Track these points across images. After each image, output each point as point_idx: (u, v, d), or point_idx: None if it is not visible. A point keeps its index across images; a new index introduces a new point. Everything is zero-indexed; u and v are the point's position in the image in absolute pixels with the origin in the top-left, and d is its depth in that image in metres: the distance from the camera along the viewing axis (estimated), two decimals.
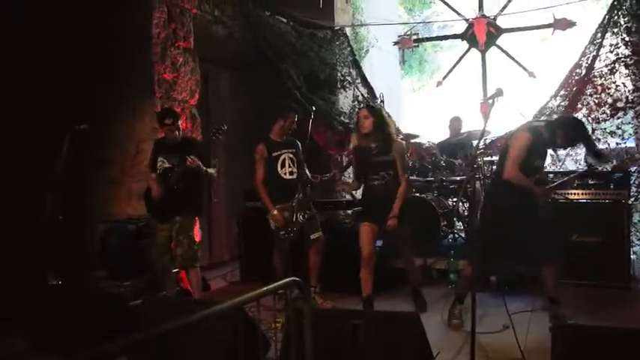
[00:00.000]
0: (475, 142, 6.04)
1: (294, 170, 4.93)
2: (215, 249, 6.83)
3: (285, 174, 4.91)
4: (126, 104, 5.70)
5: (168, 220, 4.59)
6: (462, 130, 6.99)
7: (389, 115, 7.23)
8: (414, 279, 4.76)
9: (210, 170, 4.71)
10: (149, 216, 4.89)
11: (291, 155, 4.96)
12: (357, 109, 7.63)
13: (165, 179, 4.57)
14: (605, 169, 5.70)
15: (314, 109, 5.11)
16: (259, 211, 5.71)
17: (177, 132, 4.68)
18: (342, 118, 7.55)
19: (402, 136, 6.59)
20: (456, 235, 6.31)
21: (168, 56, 5.77)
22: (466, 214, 6.41)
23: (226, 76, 7.30)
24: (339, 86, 7.80)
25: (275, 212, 4.79)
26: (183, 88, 5.93)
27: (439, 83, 8.00)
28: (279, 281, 2.48)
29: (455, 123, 7.11)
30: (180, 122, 4.83)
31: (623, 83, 6.30)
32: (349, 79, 7.87)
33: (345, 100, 7.82)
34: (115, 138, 5.72)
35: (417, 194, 6.02)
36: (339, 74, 7.82)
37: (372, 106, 4.76)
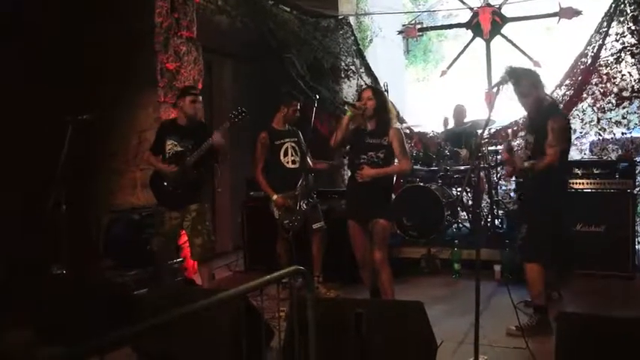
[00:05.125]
0: (479, 132, 6.03)
1: (297, 159, 4.91)
2: (219, 238, 6.77)
3: (287, 162, 4.89)
4: (129, 94, 5.67)
5: (182, 207, 4.35)
6: (467, 120, 6.94)
7: (393, 105, 7.24)
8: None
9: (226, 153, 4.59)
10: (156, 204, 4.58)
11: (293, 144, 4.95)
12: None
13: (179, 162, 4.30)
14: (610, 159, 5.68)
15: (317, 97, 5.07)
16: (263, 201, 5.67)
17: (199, 107, 4.52)
18: (345, 107, 7.51)
19: (405, 126, 6.59)
20: (460, 225, 6.30)
21: (171, 45, 5.72)
22: (470, 203, 6.39)
23: (230, 65, 7.27)
24: (342, 75, 7.79)
25: (275, 197, 4.76)
26: (186, 77, 5.88)
27: (443, 73, 7.96)
28: (282, 270, 2.47)
29: (459, 112, 7.05)
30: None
31: (629, 72, 6.25)
32: (353, 68, 7.84)
33: (348, 90, 7.79)
34: (118, 127, 5.69)
35: (421, 184, 6.02)
36: (342, 63, 7.81)
37: (376, 88, 4.45)
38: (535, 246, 3.76)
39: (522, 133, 6.55)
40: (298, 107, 4.99)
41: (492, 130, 6.60)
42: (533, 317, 3.80)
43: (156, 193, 4.52)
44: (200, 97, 4.58)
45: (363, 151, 4.02)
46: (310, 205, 4.84)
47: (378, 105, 4.02)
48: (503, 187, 6.54)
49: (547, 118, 3.66)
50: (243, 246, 6.12)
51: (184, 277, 5.12)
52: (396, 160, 4.06)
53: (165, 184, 4.36)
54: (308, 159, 4.91)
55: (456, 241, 5.47)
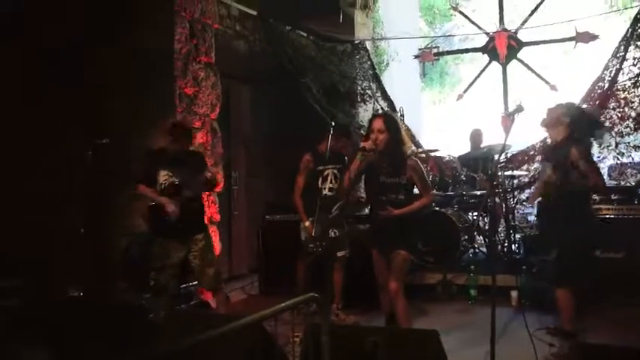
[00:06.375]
0: (496, 156, 6.01)
1: (335, 186, 4.91)
2: (235, 261, 6.84)
3: (325, 189, 4.90)
4: (147, 118, 5.62)
5: (187, 239, 4.30)
6: (483, 144, 6.93)
7: (408, 129, 7.26)
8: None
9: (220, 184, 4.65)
10: (156, 236, 4.42)
11: (335, 171, 4.95)
12: None
13: (177, 193, 4.22)
14: (629, 183, 5.63)
15: (333, 124, 5.05)
16: (279, 224, 5.81)
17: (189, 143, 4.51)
18: (362, 131, 7.55)
19: (421, 150, 6.58)
20: (477, 250, 6.24)
21: (190, 71, 5.79)
22: (486, 228, 6.34)
23: (247, 90, 7.35)
24: (359, 100, 7.82)
25: (307, 223, 4.78)
26: (204, 102, 5.95)
27: (460, 96, 7.97)
28: (299, 294, 2.48)
29: (475, 136, 7.06)
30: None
31: None
32: (369, 92, 7.88)
33: (365, 114, 7.80)
34: (137, 152, 5.74)
35: (437, 208, 5.98)
36: (359, 88, 7.85)
37: (388, 116, 4.15)
38: (565, 271, 3.77)
39: (539, 158, 6.55)
40: (347, 145, 4.98)
41: (509, 155, 6.57)
42: (564, 344, 3.77)
43: (156, 226, 4.41)
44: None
45: (382, 193, 3.87)
46: (339, 233, 4.82)
47: (391, 137, 3.79)
48: (520, 212, 6.49)
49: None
50: (258, 269, 6.14)
51: (200, 300, 5.10)
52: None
53: (167, 217, 4.20)
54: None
55: (472, 267, 5.43)
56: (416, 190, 3.98)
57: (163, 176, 4.25)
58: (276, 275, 5.75)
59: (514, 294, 5.01)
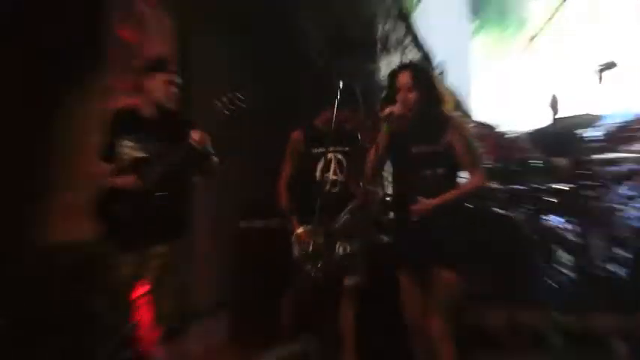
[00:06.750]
0: (585, 133, 5.95)
1: (340, 179, 4.77)
2: (193, 290, 6.48)
3: (326, 182, 4.70)
4: (66, 80, 5.60)
5: (142, 248, 4.18)
6: (562, 115, 6.68)
7: (452, 92, 7.03)
8: None
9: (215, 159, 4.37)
10: (102, 240, 4.34)
11: (340, 156, 4.81)
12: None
13: (140, 175, 4.13)
14: None
15: (341, 85, 4.78)
16: (259, 234, 5.86)
17: (174, 91, 4.41)
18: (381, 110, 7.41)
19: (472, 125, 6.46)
20: (560, 275, 5.87)
21: (132, 11, 5.81)
22: (575, 240, 5.97)
23: (215, 37, 7.15)
24: (379, 50, 7.72)
25: (300, 230, 4.66)
26: (152, 53, 5.79)
27: (529, 43, 7.93)
28: (285, 340, 2.45)
29: (554, 104, 6.74)
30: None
31: None
32: (394, 39, 7.77)
33: (387, 70, 7.60)
34: (48, 131, 5.64)
35: (498, 210, 5.83)
36: (379, 33, 7.75)
37: (417, 67, 4.12)
38: None
39: None
40: (356, 119, 4.83)
41: (605, 131, 6.26)
42: None
43: (104, 224, 4.24)
44: (177, 78, 4.47)
45: (414, 171, 3.76)
46: (352, 249, 4.65)
47: (423, 95, 3.73)
48: (625, 214, 6.11)
49: None
50: (228, 302, 6.04)
51: (137, 352, 4.70)
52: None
53: (120, 209, 4.14)
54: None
55: (553, 301, 5.23)
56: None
57: (125, 148, 4.17)
58: (254, 310, 5.63)
59: (620, 345, 4.70)
